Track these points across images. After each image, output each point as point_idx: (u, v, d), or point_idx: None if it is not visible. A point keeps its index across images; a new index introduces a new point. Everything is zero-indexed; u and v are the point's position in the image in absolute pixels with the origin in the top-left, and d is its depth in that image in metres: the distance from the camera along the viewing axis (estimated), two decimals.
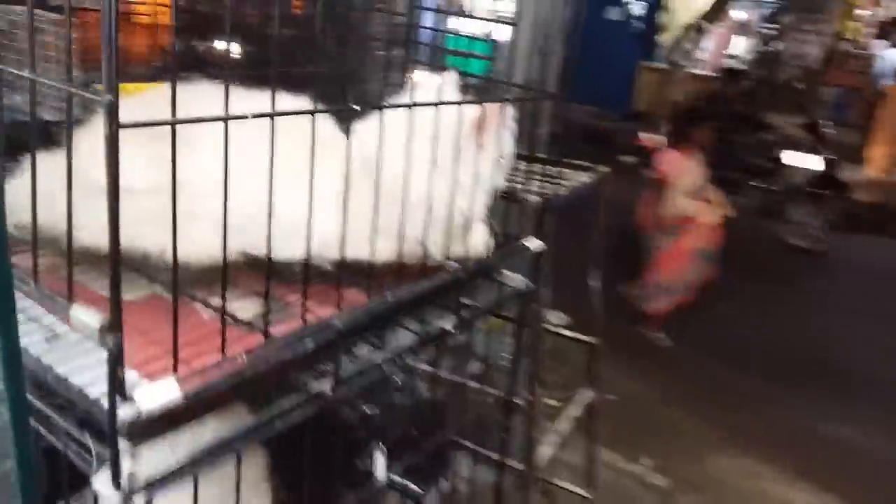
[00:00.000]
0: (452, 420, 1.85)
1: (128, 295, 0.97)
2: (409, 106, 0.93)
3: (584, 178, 2.45)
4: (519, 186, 1.56)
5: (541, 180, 2.35)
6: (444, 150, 1.02)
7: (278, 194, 0.97)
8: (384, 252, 1.03)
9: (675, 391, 4.14)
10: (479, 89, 1.36)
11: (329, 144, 0.98)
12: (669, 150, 4.69)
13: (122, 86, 0.66)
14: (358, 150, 0.98)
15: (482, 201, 1.12)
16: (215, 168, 0.96)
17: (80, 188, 0.98)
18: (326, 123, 0.96)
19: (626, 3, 11.08)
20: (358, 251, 1.00)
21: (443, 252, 1.08)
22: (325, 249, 1.01)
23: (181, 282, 0.99)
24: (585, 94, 10.02)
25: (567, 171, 2.49)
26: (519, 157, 2.68)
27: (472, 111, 1.06)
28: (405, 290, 1.01)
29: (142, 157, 0.98)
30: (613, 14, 11.21)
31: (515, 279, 1.20)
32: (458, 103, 1.00)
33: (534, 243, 1.24)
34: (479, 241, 1.15)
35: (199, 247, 0.95)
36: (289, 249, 0.99)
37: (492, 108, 1.07)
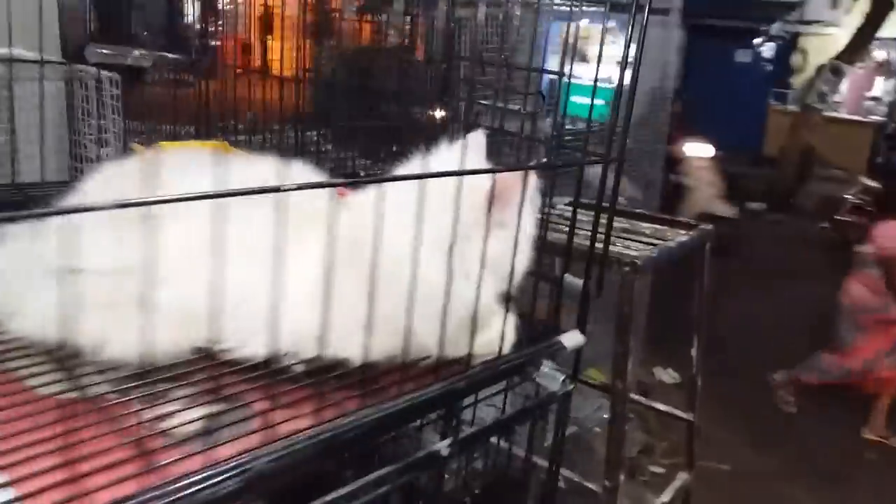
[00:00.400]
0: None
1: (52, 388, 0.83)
2: (387, 180, 0.76)
3: (682, 236, 2.21)
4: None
5: (631, 240, 2.14)
6: (449, 229, 0.83)
7: (249, 278, 0.83)
8: (367, 352, 0.85)
9: (793, 462, 3.70)
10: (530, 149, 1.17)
11: (319, 220, 0.82)
12: (889, 222, 4.04)
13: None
14: (346, 229, 0.82)
15: (497, 289, 0.92)
16: (179, 250, 0.83)
17: (34, 273, 0.88)
18: (321, 194, 0.81)
19: (757, 45, 10.59)
20: (337, 349, 0.84)
21: (446, 352, 0.89)
22: (299, 346, 0.86)
23: (118, 380, 0.85)
24: (715, 137, 9.64)
25: (663, 227, 2.27)
26: (615, 212, 2.48)
27: (486, 181, 0.85)
28: (378, 407, 0.79)
29: (102, 232, 0.87)
30: (743, 56, 10.75)
31: (551, 377, 0.97)
32: (462, 173, 0.80)
33: (572, 339, 1.01)
34: (494, 337, 0.94)
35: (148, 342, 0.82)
36: (254, 345, 0.84)
37: (508, 177, 0.87)
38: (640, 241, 2.10)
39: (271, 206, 0.75)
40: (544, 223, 1.04)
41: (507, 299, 0.91)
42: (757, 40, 10.53)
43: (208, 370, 0.84)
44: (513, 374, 0.94)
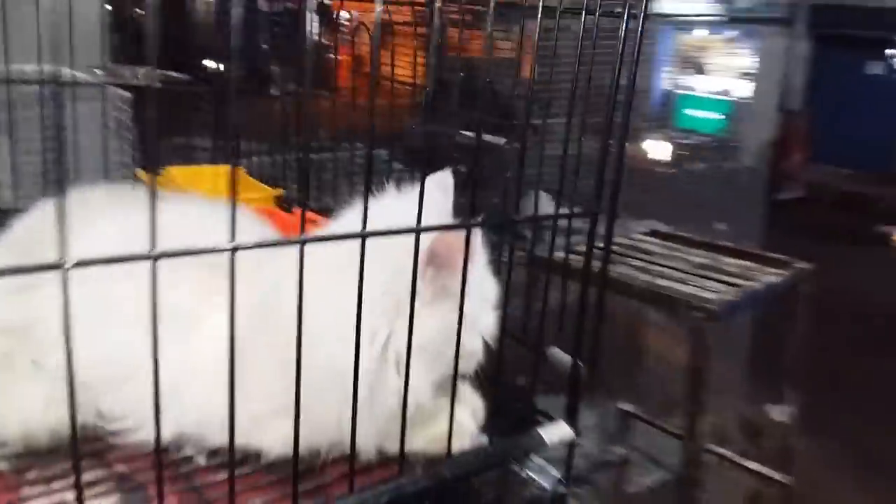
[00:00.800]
0: None
1: None
2: (270, 245, 0.59)
3: (772, 276, 1.95)
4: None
5: (709, 278, 1.89)
6: (379, 298, 0.67)
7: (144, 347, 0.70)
8: (280, 442, 0.69)
9: None
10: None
11: (242, 280, 0.67)
12: None
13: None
14: (261, 295, 0.67)
15: (441, 372, 0.71)
16: (79, 307, 0.71)
17: None
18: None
19: (890, 56, 9.90)
20: (248, 437, 0.68)
21: (381, 448, 0.71)
22: (204, 430, 0.70)
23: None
24: (840, 153, 9.04)
25: (751, 264, 2.00)
26: (698, 244, 2.22)
27: (426, 240, 0.65)
28: None
29: None
30: (875, 68, 10.07)
31: (544, 472, 0.75)
32: (390, 233, 0.62)
33: (556, 432, 0.76)
34: (441, 432, 0.73)
35: (33, 414, 0.69)
36: (150, 427, 0.70)
37: (449, 237, 0.67)
38: (721, 281, 1.85)
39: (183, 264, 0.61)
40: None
41: (454, 384, 0.70)
42: (890, 51, 9.85)
43: (95, 456, 0.70)
44: (466, 479, 0.74)
